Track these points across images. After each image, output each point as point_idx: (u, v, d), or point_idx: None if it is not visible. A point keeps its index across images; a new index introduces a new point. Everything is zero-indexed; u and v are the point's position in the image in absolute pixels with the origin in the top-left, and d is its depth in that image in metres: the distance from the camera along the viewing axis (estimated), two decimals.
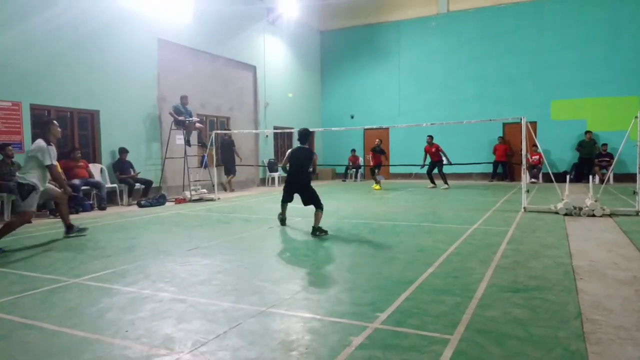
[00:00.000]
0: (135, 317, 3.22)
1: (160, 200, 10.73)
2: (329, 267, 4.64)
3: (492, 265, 4.50)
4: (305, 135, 7.12)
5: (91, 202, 9.94)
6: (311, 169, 7.13)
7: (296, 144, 6.71)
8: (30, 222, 6.09)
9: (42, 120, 6.21)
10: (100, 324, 3.11)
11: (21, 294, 3.84)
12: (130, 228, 7.31)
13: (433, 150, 14.39)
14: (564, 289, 3.68)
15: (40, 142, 5.92)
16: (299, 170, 6.88)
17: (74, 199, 9.36)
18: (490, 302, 3.38)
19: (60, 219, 6.56)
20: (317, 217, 6.49)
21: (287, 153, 7.10)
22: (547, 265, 4.48)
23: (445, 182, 14.31)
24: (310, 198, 6.74)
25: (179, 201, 11.16)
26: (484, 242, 5.65)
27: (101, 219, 8.38)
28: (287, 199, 7.17)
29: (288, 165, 7.02)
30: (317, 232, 6.32)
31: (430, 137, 14.43)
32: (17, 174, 5.90)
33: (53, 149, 5.99)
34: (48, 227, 7.60)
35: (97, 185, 9.95)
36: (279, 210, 7.37)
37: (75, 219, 8.53)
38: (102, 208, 9.77)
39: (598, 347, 2.59)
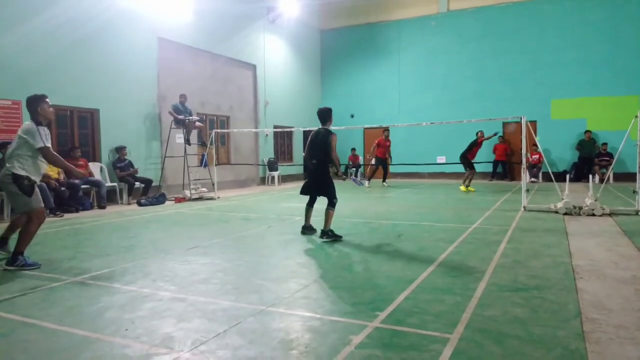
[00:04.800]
0: (135, 316, 3.22)
1: (160, 199, 10.73)
2: (329, 266, 4.64)
3: (492, 264, 4.50)
4: (325, 114, 6.07)
5: (91, 200, 9.94)
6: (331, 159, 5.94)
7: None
8: (44, 219, 4.95)
9: (29, 98, 4.86)
10: (100, 322, 3.11)
11: (21, 292, 3.84)
12: (130, 227, 7.31)
13: (388, 144, 14.38)
14: (564, 288, 3.68)
15: (27, 123, 4.79)
16: (313, 157, 6.01)
17: (74, 198, 9.38)
18: (490, 301, 3.38)
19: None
20: (328, 216, 5.86)
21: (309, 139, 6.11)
22: (546, 264, 4.48)
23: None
24: (325, 192, 5.98)
25: (178, 200, 11.16)
26: (483, 241, 5.65)
27: (101, 218, 8.37)
28: (309, 200, 6.32)
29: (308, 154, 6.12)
30: (327, 235, 5.76)
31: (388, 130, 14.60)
32: (6, 164, 4.75)
33: (45, 130, 4.78)
34: (47, 225, 7.59)
35: (96, 184, 9.95)
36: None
37: (76, 217, 8.54)
38: (101, 207, 9.77)
39: (598, 346, 2.59)
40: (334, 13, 20.15)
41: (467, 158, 12.57)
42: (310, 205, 6.39)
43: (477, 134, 12.99)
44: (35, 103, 4.82)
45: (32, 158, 4.74)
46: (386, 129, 14.65)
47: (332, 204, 5.96)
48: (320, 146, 5.98)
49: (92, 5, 10.45)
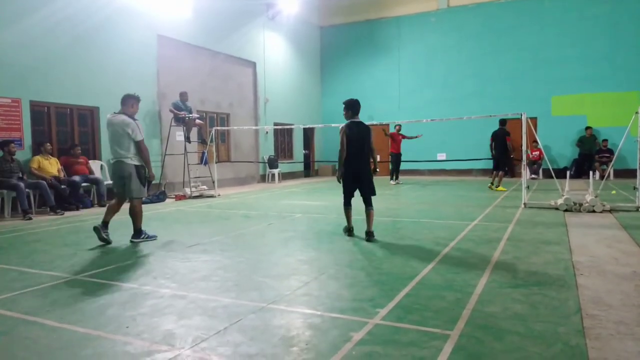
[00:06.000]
0: (136, 313, 3.23)
1: (161, 197, 10.73)
2: (329, 263, 4.64)
3: (492, 261, 4.50)
4: (359, 105, 5.82)
5: (91, 198, 9.94)
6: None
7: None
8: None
9: (128, 94, 5.82)
10: (101, 320, 3.11)
11: (22, 290, 3.85)
12: (130, 225, 7.30)
13: (400, 138, 14.45)
14: (564, 285, 3.69)
15: (123, 117, 5.60)
16: (362, 151, 5.66)
17: (75, 196, 9.38)
18: (490, 298, 3.39)
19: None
20: (372, 216, 5.65)
21: (343, 132, 5.65)
22: (547, 260, 4.48)
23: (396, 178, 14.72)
24: (372, 190, 5.70)
25: (179, 198, 11.16)
26: (484, 238, 5.66)
27: (101, 215, 8.36)
28: (351, 196, 5.84)
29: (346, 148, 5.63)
30: (373, 236, 5.56)
31: (399, 126, 14.56)
32: (121, 159, 5.59)
33: (139, 123, 5.76)
34: (48, 223, 7.61)
35: (96, 182, 9.95)
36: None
37: (76, 215, 8.54)
38: (102, 205, 9.76)
39: (598, 342, 2.60)
40: (334, 10, 20.11)
41: (508, 155, 11.73)
42: (350, 205, 5.90)
43: (503, 122, 11.79)
44: (131, 99, 5.79)
45: (135, 148, 5.68)
46: (398, 124, 14.62)
47: (371, 203, 5.74)
48: (366, 141, 5.67)
49: (91, 2, 10.43)
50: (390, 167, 15.11)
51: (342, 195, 5.87)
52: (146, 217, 8.00)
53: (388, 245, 5.39)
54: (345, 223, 6.03)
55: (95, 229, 5.69)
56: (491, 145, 12.30)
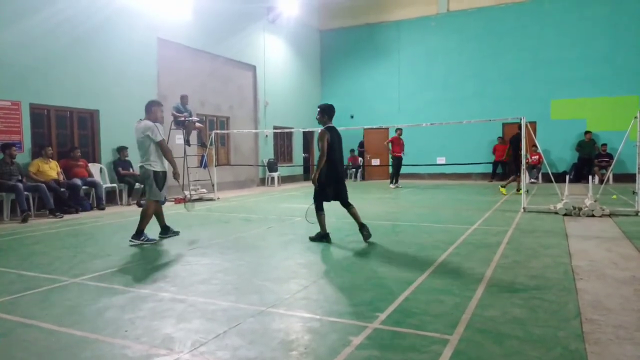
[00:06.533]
0: (135, 316, 3.22)
1: (160, 200, 10.70)
2: (328, 266, 4.64)
3: (491, 265, 4.50)
4: (333, 111, 5.90)
5: (90, 202, 9.93)
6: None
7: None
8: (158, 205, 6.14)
9: (150, 101, 6.13)
10: (100, 323, 3.11)
11: (21, 293, 3.84)
12: (129, 228, 7.29)
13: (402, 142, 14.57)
14: (564, 289, 3.68)
15: (146, 121, 5.88)
16: (341, 155, 5.85)
17: (74, 199, 9.37)
18: (489, 302, 3.38)
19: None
20: (357, 212, 5.76)
21: (324, 136, 5.60)
22: (546, 265, 4.48)
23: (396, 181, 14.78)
24: (346, 192, 5.85)
25: (178, 201, 11.15)
26: (483, 242, 5.65)
27: (101, 219, 8.38)
28: (327, 199, 5.77)
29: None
30: (367, 228, 5.68)
31: (400, 130, 14.65)
32: (143, 164, 5.86)
33: (160, 126, 5.95)
34: (48, 226, 7.60)
35: (95, 185, 9.94)
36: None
37: (76, 218, 8.54)
38: (100, 208, 9.76)
39: (597, 347, 2.60)
40: (334, 13, 20.17)
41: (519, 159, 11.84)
42: (323, 209, 5.87)
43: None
44: (152, 105, 6.04)
45: (157, 151, 5.88)
46: (399, 128, 14.75)
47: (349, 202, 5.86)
48: (341, 145, 5.89)
49: (91, 3, 10.44)
50: (390, 170, 15.13)
51: (315, 201, 5.79)
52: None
53: (387, 249, 5.39)
54: (316, 230, 5.92)
55: (161, 238, 6.14)
56: (508, 149, 12.32)
